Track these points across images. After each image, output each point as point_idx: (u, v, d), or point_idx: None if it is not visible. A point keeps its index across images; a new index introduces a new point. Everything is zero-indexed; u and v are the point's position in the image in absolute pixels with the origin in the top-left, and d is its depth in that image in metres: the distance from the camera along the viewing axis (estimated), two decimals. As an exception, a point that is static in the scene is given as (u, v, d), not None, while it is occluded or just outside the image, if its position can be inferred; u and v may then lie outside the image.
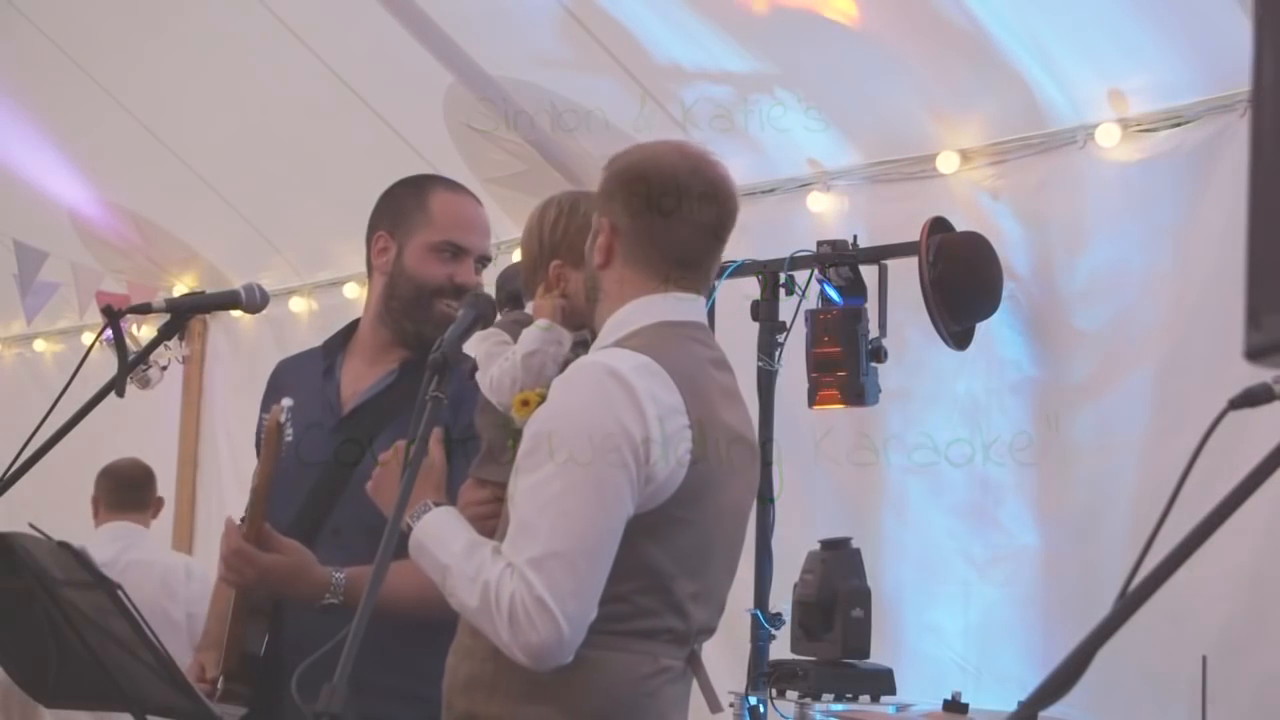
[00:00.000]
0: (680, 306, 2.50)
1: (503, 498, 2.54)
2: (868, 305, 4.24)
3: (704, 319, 2.56)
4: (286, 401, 2.91)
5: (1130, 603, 1.33)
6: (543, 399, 2.45)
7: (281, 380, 3.35)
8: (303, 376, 3.28)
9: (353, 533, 3.00)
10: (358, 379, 3.19)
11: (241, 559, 2.85)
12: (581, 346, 2.67)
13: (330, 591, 2.84)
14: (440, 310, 3.10)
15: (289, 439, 2.97)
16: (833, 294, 4.24)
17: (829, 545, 4.12)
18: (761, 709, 4.02)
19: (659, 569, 2.36)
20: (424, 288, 3.12)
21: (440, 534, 2.39)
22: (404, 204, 3.19)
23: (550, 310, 2.65)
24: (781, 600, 4.16)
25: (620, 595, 2.33)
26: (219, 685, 2.94)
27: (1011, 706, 1.57)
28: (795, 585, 4.14)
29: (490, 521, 2.58)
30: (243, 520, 2.92)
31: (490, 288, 2.99)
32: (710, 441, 2.39)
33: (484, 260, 3.19)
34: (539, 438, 2.33)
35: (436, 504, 2.45)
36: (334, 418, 3.14)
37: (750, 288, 4.43)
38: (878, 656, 4.08)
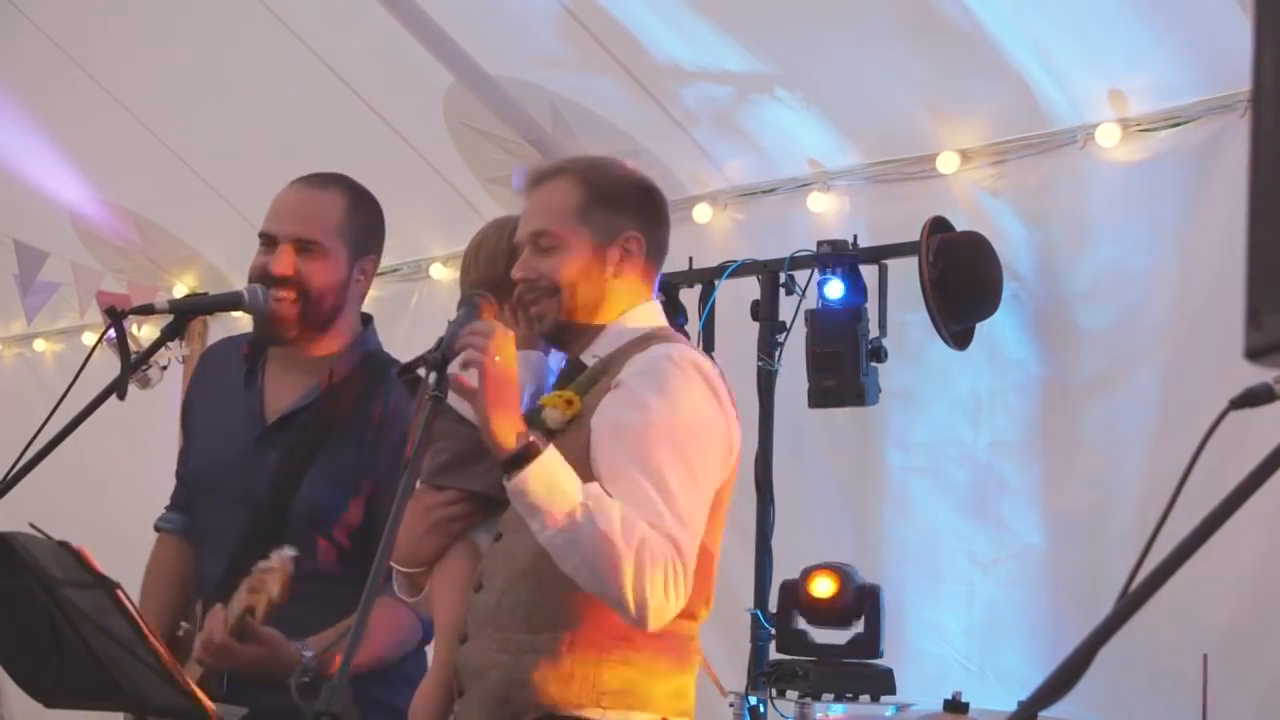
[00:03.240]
0: (661, 316, 2.69)
1: (467, 501, 2.65)
2: (868, 305, 4.25)
3: None
4: (289, 551, 2.78)
5: (1131, 602, 1.33)
6: (579, 398, 2.51)
7: (210, 368, 3.31)
8: (229, 370, 3.23)
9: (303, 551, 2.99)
10: (279, 389, 3.16)
11: (222, 654, 2.83)
12: None
13: (304, 673, 2.79)
14: (269, 304, 3.06)
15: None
16: (832, 294, 4.24)
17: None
18: (761, 709, 4.02)
19: (709, 553, 2.51)
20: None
21: (565, 468, 2.35)
22: None
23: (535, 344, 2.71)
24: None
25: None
26: None
27: (1015, 706, 1.58)
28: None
29: (459, 524, 2.67)
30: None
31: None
32: None
33: (307, 244, 3.06)
34: (647, 424, 2.42)
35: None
36: (257, 427, 3.12)
37: (750, 288, 4.43)
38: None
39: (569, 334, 2.61)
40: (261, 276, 3.07)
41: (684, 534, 2.35)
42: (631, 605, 2.33)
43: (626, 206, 2.60)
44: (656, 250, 2.65)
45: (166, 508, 3.37)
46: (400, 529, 2.47)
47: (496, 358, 2.34)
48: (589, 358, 2.59)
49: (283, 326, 3.09)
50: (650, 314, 2.64)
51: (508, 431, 2.34)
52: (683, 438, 2.42)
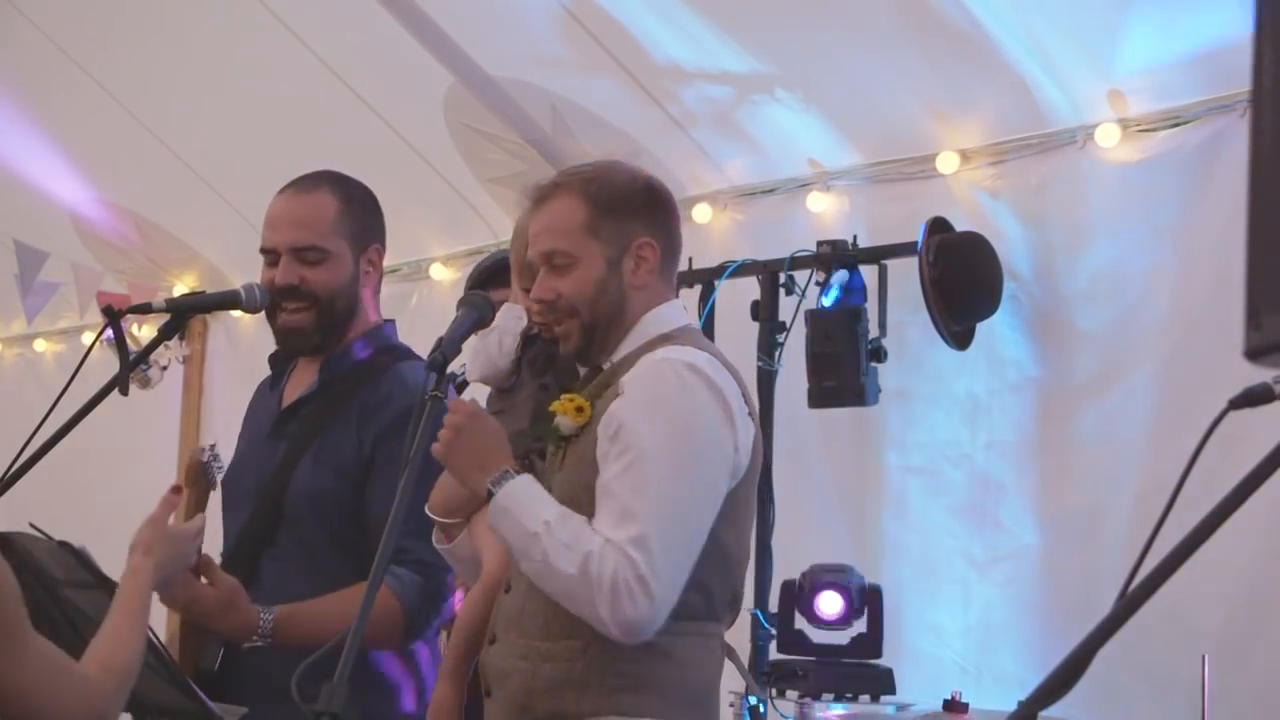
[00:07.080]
0: (683, 312, 2.72)
1: None
2: (868, 305, 4.25)
3: None
4: (209, 443, 2.99)
5: (1130, 603, 1.33)
6: (590, 404, 2.53)
7: (256, 393, 3.39)
8: (262, 394, 3.32)
9: (292, 546, 3.00)
10: (296, 383, 3.20)
11: (177, 587, 2.78)
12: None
13: (258, 634, 2.82)
14: (279, 319, 3.09)
15: (219, 471, 3.01)
16: (832, 294, 4.25)
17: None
18: (761, 709, 4.02)
19: (730, 553, 2.54)
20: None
21: (527, 501, 2.44)
22: None
23: None
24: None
25: (701, 583, 2.48)
26: None
27: (1012, 706, 1.58)
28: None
29: None
30: None
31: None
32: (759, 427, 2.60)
33: (306, 251, 3.06)
34: (628, 427, 2.43)
35: (517, 471, 2.49)
36: (271, 421, 3.17)
37: (750, 288, 4.43)
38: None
39: (594, 349, 2.63)
40: (271, 291, 3.08)
41: (645, 540, 2.35)
42: (600, 624, 2.38)
43: (633, 212, 2.60)
44: (670, 249, 2.67)
45: None
46: (440, 478, 2.65)
47: (460, 429, 2.49)
48: (605, 363, 2.62)
49: (301, 338, 3.11)
50: (668, 315, 2.64)
51: (477, 482, 2.47)
52: (660, 442, 2.42)
